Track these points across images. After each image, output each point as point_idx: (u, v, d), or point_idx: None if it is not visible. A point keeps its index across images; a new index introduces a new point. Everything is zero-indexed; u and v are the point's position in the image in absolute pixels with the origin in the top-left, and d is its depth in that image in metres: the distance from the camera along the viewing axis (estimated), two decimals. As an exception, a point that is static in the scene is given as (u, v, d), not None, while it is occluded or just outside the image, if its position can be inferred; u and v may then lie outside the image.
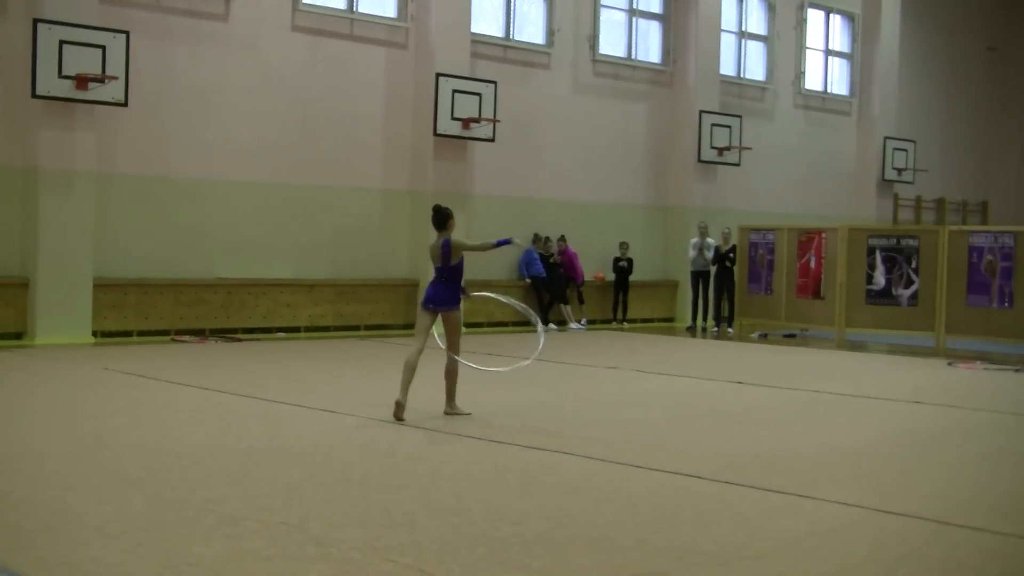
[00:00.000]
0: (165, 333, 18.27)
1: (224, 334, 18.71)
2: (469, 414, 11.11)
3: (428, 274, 20.69)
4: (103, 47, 17.07)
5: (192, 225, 18.93)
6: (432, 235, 11.56)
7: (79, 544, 6.21)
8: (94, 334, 17.54)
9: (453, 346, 11.25)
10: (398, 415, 10.67)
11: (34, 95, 16.75)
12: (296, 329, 19.77)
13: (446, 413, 11.13)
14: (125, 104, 17.47)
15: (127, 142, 18.27)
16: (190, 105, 18.88)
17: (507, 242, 11.80)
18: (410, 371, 10.93)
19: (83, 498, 7.26)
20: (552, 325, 22.71)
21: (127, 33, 17.37)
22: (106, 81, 17.04)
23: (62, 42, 16.73)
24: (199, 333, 18.51)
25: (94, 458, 8.59)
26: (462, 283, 11.51)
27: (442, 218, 11.40)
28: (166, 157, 18.69)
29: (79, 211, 17.41)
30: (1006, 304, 19.41)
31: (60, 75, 16.76)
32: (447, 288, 11.26)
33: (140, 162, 18.45)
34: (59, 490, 7.48)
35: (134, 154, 18.39)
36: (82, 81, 16.88)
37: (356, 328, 20.48)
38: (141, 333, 18.09)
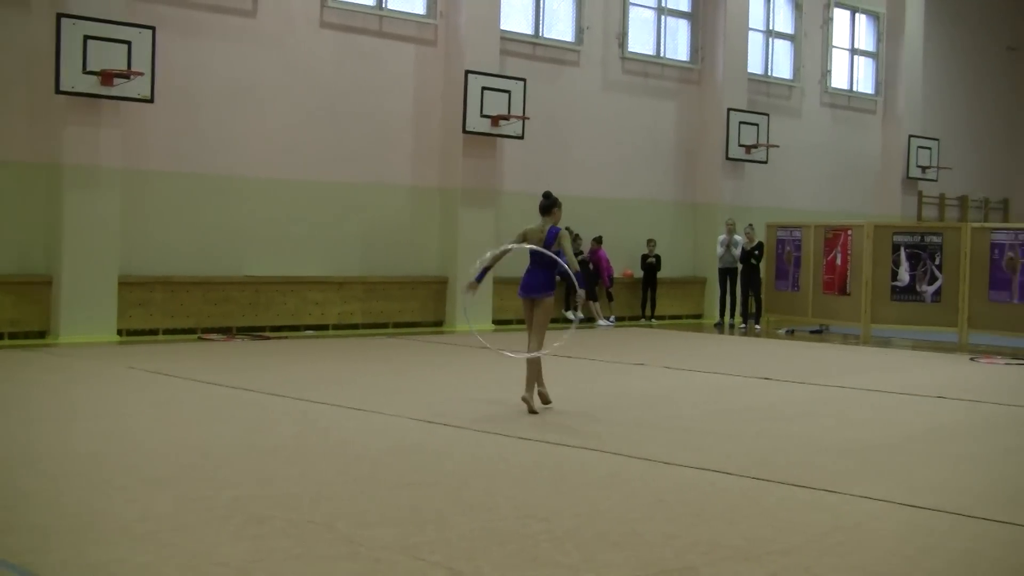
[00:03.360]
0: (192, 331, 18.34)
1: (252, 332, 18.78)
2: (536, 413, 11.13)
3: (458, 271, 21.04)
4: (128, 42, 17.04)
5: (220, 222, 18.99)
6: (536, 220, 11.92)
7: (104, 545, 6.19)
8: (119, 332, 17.55)
9: (537, 335, 11.36)
10: (530, 410, 11.07)
11: (58, 91, 16.70)
12: (325, 327, 19.83)
13: (537, 397, 11.32)
14: (151, 100, 17.46)
15: (154, 138, 18.30)
16: (218, 101, 18.94)
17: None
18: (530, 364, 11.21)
19: (108, 498, 7.25)
20: (579, 313, 22.77)
21: (153, 28, 17.37)
22: (132, 77, 17.03)
23: (87, 37, 16.70)
24: (226, 331, 18.57)
25: (119, 458, 8.60)
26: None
27: (549, 204, 11.68)
28: (194, 153, 18.74)
29: (104, 208, 17.41)
30: (1027, 300, 19.44)
31: (85, 71, 16.72)
32: (541, 275, 11.46)
33: (167, 158, 18.48)
34: (84, 491, 7.48)
35: (161, 150, 18.41)
36: (107, 77, 16.86)
37: (385, 326, 20.55)
38: (167, 331, 18.13)
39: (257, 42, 19.35)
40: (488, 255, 11.88)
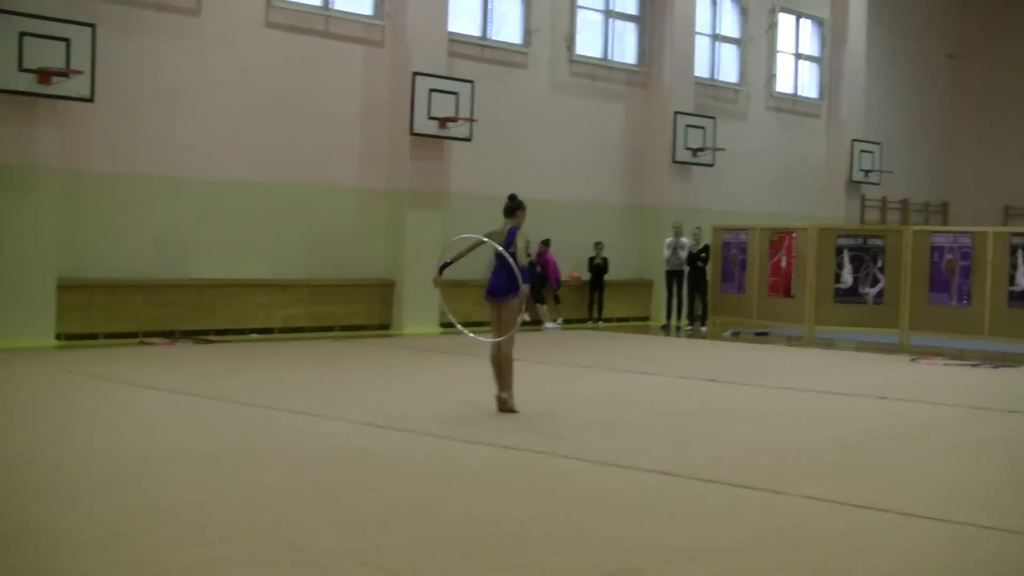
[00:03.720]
0: (134, 335, 18.07)
1: (195, 336, 18.58)
2: (516, 412, 11.30)
3: (405, 274, 21.03)
4: (67, 40, 16.72)
5: (162, 224, 18.76)
6: (499, 223, 11.97)
7: (41, 555, 6.10)
8: (58, 337, 17.17)
9: (504, 333, 11.43)
10: (501, 408, 11.30)
11: (-8, 89, 16.34)
12: (270, 330, 19.71)
13: (497, 397, 11.42)
14: (91, 100, 17.20)
15: (95, 139, 18.01)
16: (161, 102, 18.72)
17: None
18: (494, 365, 11.45)
19: (46, 506, 7.13)
20: (526, 316, 22.81)
21: (93, 26, 17.10)
22: (70, 76, 16.76)
23: (22, 34, 16.34)
24: (169, 335, 18.33)
25: (57, 464, 8.45)
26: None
27: (513, 206, 11.82)
28: (136, 155, 18.50)
29: (42, 210, 17.00)
30: (965, 302, 19.68)
31: (21, 68, 16.36)
32: (504, 277, 11.49)
33: (109, 159, 18.21)
34: (21, 498, 7.37)
35: (102, 151, 18.13)
36: (44, 75, 16.52)
37: (331, 329, 20.45)
38: (108, 335, 17.80)
39: (201, 42, 19.19)
40: (454, 250, 11.99)
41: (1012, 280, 19.16)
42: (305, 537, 6.49)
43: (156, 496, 7.43)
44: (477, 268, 23.00)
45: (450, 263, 11.99)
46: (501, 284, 11.46)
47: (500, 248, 11.40)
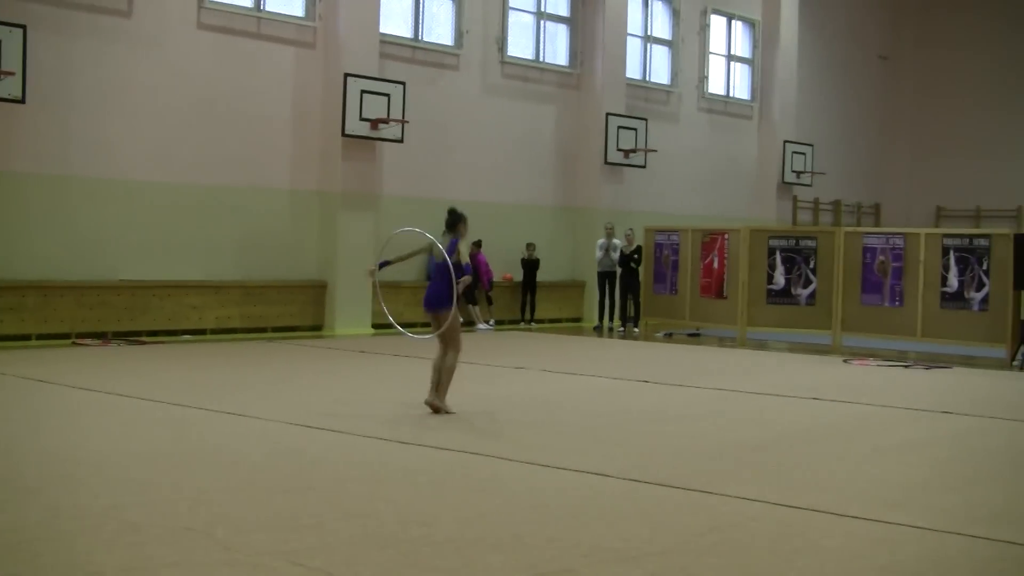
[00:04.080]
0: (66, 336, 17.93)
1: (128, 337, 18.45)
2: (453, 413, 11.32)
3: (337, 275, 20.97)
4: (-2, 41, 16.60)
5: (94, 226, 18.61)
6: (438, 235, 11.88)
7: (-27, 557, 6.04)
8: (-11, 338, 17.09)
9: (450, 343, 11.60)
10: (434, 411, 11.31)
11: (-82, 90, 16.16)
12: (202, 331, 19.57)
13: (426, 403, 11.39)
14: (23, 101, 17.12)
15: (26, 140, 17.85)
16: (92, 103, 18.56)
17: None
18: (435, 371, 11.54)
19: (-22, 508, 7.07)
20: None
21: (24, 27, 17.00)
22: (2, 77, 16.64)
23: (-50, 35, 16.20)
24: (102, 336, 18.21)
25: (-8, 465, 8.37)
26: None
27: (453, 221, 11.75)
28: (67, 156, 18.34)
29: (-30, 211, 16.87)
30: (897, 303, 19.88)
31: (-51, 70, 16.23)
32: (442, 288, 11.53)
33: (40, 160, 18.03)
34: (-46, 500, 7.29)
35: (34, 152, 17.96)
36: (-26, 77, 16.40)
37: (264, 330, 20.35)
38: (40, 336, 17.66)
39: (132, 43, 19.03)
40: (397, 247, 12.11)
41: (944, 281, 19.38)
42: (239, 538, 6.46)
43: (89, 497, 7.36)
44: (410, 270, 22.99)
45: (391, 263, 12.03)
46: (442, 294, 11.51)
47: (445, 255, 11.43)
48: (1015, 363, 18.18)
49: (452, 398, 11.49)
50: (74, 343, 17.73)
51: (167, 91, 19.43)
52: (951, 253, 19.37)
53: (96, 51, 18.60)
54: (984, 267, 18.99)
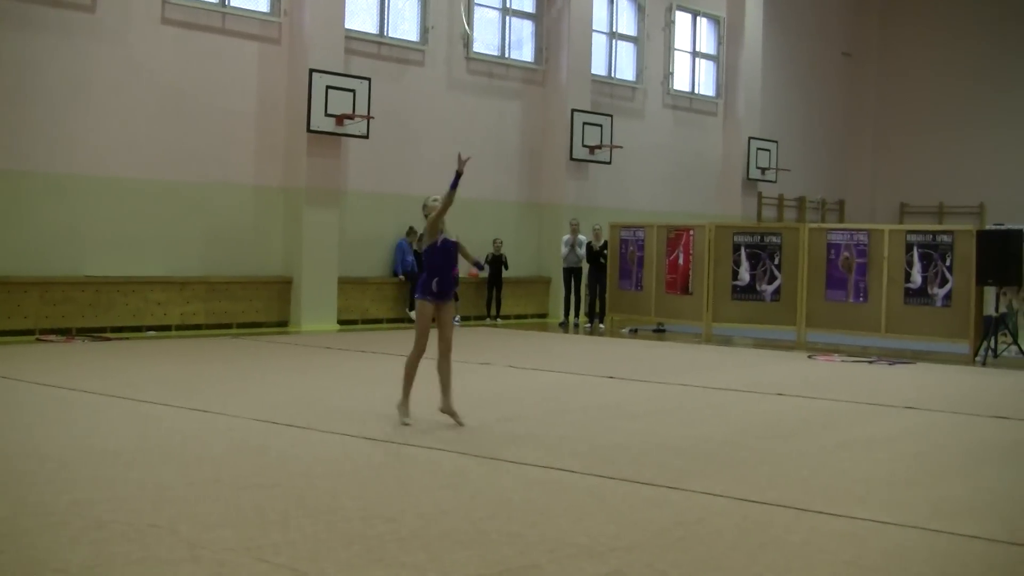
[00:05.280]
0: (30, 333, 17.79)
1: (92, 333, 18.35)
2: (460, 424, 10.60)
3: (302, 271, 20.93)
4: (-41, 36, 16.50)
5: (58, 221, 18.47)
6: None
7: (-63, 553, 6.00)
8: (-49, 334, 16.94)
9: (448, 335, 11.19)
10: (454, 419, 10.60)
11: None
12: (167, 328, 19.48)
13: (444, 410, 10.72)
14: (-16, 96, 17.03)
15: (-11, 135, 17.77)
16: (55, 98, 18.42)
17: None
18: (442, 374, 10.90)
19: (-57, 504, 7.02)
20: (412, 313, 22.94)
21: (-15, 23, 16.91)
22: (-36, 73, 16.55)
23: (-89, 30, 16.08)
24: (66, 332, 18.09)
25: (-44, 462, 8.30)
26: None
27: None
28: (30, 151, 18.17)
29: (-68, 207, 16.72)
30: (861, 299, 19.99)
31: (-91, 65, 16.11)
32: (452, 275, 11.32)
33: (3, 156, 17.87)
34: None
35: (-3, 148, 17.89)
36: (-65, 71, 16.29)
37: (229, 326, 20.27)
38: (4, 333, 17.49)
39: (97, 38, 18.90)
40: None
41: (908, 277, 19.49)
42: (204, 535, 6.43)
43: (53, 494, 7.30)
44: (376, 264, 22.97)
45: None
46: (452, 280, 11.18)
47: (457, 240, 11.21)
48: (977, 358, 18.31)
49: (419, 394, 11.45)
50: (38, 339, 17.59)
51: (131, 86, 19.32)
52: (915, 249, 19.48)
53: (59, 46, 18.45)
54: (947, 263, 19.10)
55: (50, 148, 18.41)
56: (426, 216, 11.33)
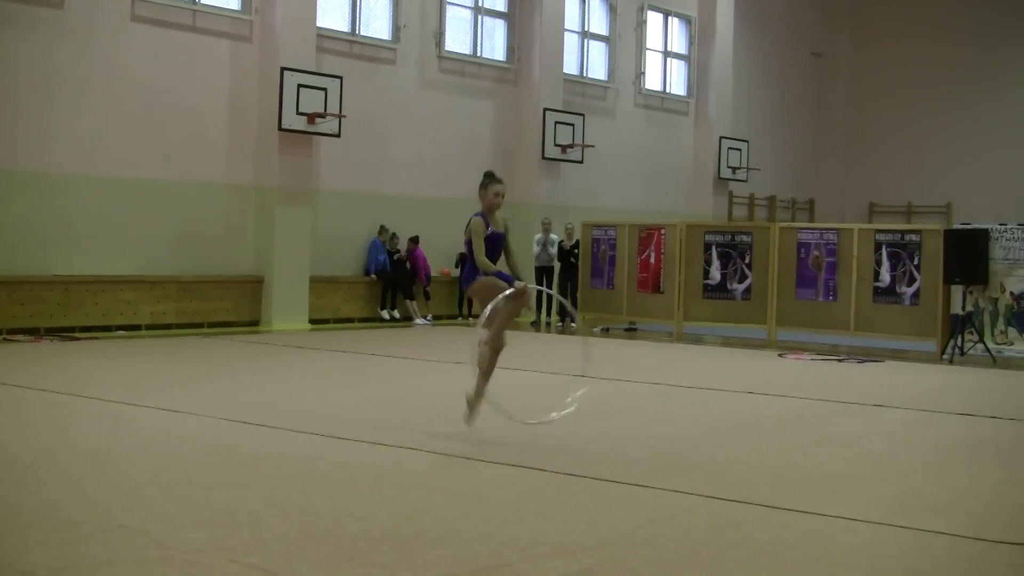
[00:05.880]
0: (-2, 332, 17.77)
1: (61, 333, 18.26)
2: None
3: (274, 270, 20.90)
4: (-75, 32, 16.39)
5: (26, 220, 18.35)
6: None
7: (-99, 555, 5.95)
8: (-83, 333, 16.82)
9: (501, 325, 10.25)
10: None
11: None
12: (137, 327, 19.41)
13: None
14: (-49, 93, 16.91)
15: (-44, 134, 17.63)
16: (23, 95, 18.29)
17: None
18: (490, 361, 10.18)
19: (-92, 507, 6.96)
20: (396, 312, 22.98)
21: (-49, 19, 16.80)
22: (-71, 69, 16.43)
23: None
24: (34, 332, 17.98)
25: (-77, 462, 8.24)
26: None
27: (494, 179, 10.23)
28: (-1, 149, 18.16)
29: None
30: (831, 297, 20.09)
31: None
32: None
33: (-30, 155, 17.84)
34: None
35: (-37, 146, 17.74)
36: (-96, 70, 16.18)
37: (200, 326, 20.21)
38: (-28, 332, 17.52)
39: (65, 35, 18.80)
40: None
41: (877, 276, 19.60)
42: (175, 535, 6.40)
43: (21, 495, 7.26)
44: (347, 264, 22.94)
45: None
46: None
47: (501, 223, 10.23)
48: (945, 357, 18.42)
49: (392, 393, 11.47)
50: (5, 339, 17.48)
51: (101, 84, 19.24)
52: (883, 248, 19.58)
53: (27, 42, 18.33)
54: (915, 262, 19.21)
55: (18, 146, 18.29)
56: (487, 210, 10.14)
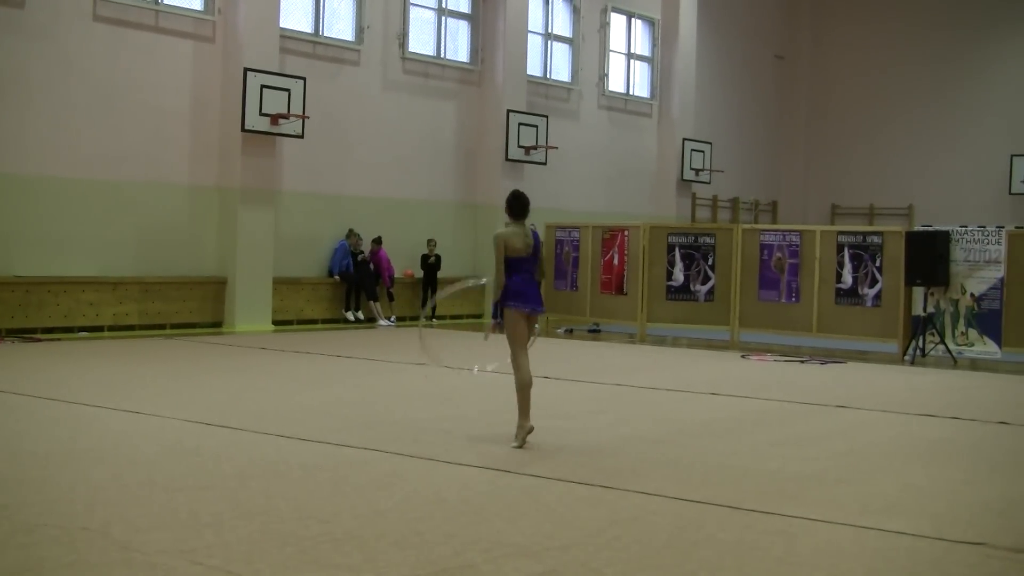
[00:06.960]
0: (-41, 333, 17.64)
1: (22, 334, 18.13)
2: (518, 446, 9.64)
3: (236, 271, 20.77)
4: None
5: (-13, 221, 18.30)
6: (500, 224, 10.45)
7: None
8: None
9: (526, 351, 10.12)
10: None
11: None
12: (99, 328, 19.29)
13: (528, 428, 9.73)
14: (-88, 95, 16.79)
15: (-83, 135, 17.51)
16: (-15, 97, 18.26)
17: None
18: (525, 390, 9.87)
19: None
20: (359, 314, 22.94)
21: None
22: None
23: None
24: (-4, 333, 17.92)
25: None
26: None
27: (527, 204, 10.12)
28: (-41, 150, 18.01)
29: None
30: (794, 299, 20.20)
31: None
32: (535, 284, 10.06)
33: (-70, 155, 17.71)
34: None
35: (-77, 147, 17.62)
36: None
37: (163, 327, 20.11)
38: (-67, 333, 17.40)
39: (26, 34, 18.67)
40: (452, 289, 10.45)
41: (839, 278, 19.72)
42: (137, 537, 6.38)
43: (-20, 499, 7.22)
44: (312, 264, 22.87)
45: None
46: (537, 294, 10.04)
47: (535, 244, 10.05)
48: (906, 358, 18.55)
49: (354, 395, 11.45)
50: (-34, 341, 17.39)
51: (62, 84, 19.11)
52: (846, 250, 19.70)
53: (-12, 43, 18.24)
54: (877, 264, 19.34)
55: (-21, 147, 18.17)
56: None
